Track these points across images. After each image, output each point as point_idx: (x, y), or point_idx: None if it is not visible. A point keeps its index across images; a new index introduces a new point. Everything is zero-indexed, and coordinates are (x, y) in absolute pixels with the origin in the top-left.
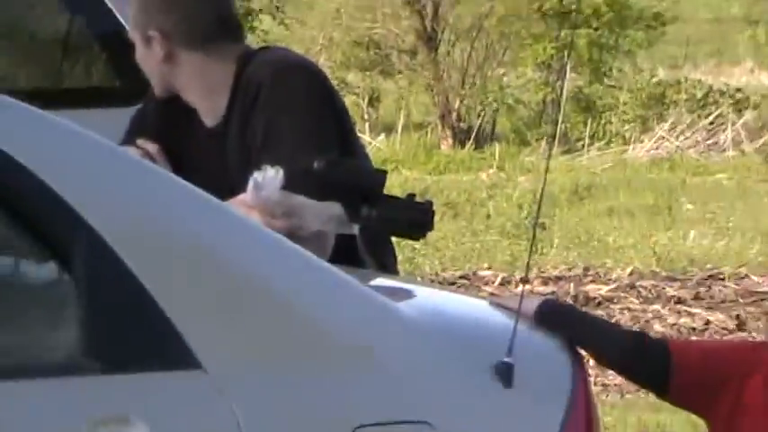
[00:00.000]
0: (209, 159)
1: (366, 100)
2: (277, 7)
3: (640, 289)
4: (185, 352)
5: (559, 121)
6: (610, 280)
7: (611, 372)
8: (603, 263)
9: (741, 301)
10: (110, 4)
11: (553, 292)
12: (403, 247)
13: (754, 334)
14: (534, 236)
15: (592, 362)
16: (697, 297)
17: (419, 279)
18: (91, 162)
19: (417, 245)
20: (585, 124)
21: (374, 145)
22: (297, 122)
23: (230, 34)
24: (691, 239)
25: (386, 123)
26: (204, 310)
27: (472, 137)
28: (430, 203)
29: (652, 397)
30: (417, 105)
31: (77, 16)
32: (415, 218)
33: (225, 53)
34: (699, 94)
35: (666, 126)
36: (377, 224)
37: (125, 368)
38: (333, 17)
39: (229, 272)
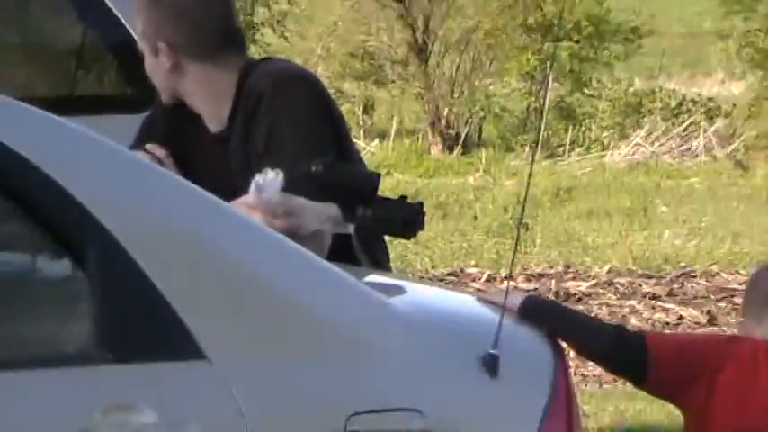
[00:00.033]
0: (213, 163)
1: (361, 108)
2: (278, 21)
3: (617, 285)
4: (191, 344)
5: (542, 129)
6: (589, 277)
7: (590, 363)
8: (583, 261)
9: (712, 297)
10: (121, 18)
11: (536, 289)
12: (395, 246)
13: (724, 328)
14: (518, 235)
15: (572, 353)
16: (671, 293)
17: (410, 276)
18: (103, 165)
19: (409, 243)
20: (566, 131)
21: (368, 150)
22: (296, 129)
23: (234, 46)
24: (665, 239)
25: (379, 130)
26: (209, 304)
27: (460, 143)
28: (420, 205)
29: (629, 386)
30: (409, 113)
31: (91, 29)
32: (407, 218)
33: (229, 64)
34: (673, 104)
35: (642, 133)
36: (371, 224)
37: (135, 359)
38: (330, 30)
39: (233, 269)
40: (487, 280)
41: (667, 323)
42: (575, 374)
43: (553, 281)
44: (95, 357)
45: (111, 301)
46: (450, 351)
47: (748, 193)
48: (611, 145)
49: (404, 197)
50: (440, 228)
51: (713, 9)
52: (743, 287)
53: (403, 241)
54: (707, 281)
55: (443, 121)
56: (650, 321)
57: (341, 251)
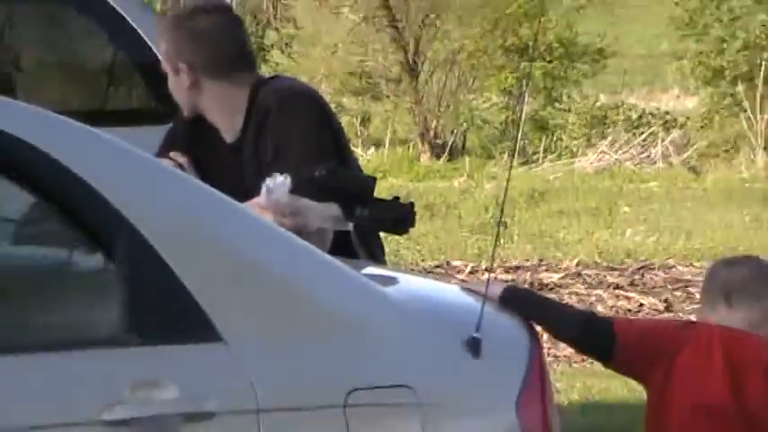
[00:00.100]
0: (228, 169)
1: (359, 120)
2: (286, 44)
3: (585, 277)
4: (210, 328)
5: (518, 138)
6: (560, 269)
7: (561, 345)
8: (555, 255)
9: (669, 287)
10: (147, 41)
11: (513, 280)
12: (389, 241)
13: (680, 314)
14: (498, 233)
15: (546, 336)
16: (632, 284)
17: (403, 268)
18: (132, 171)
19: (401, 239)
20: (540, 140)
21: (365, 157)
22: (301, 139)
23: (246, 65)
24: (627, 236)
25: (375, 139)
26: (225, 293)
27: (446, 151)
28: (411, 205)
29: (596, 366)
30: (401, 125)
31: (121, 51)
32: (400, 217)
33: (242, 81)
34: (634, 116)
35: (607, 142)
36: (368, 222)
37: (160, 341)
38: (331, 52)
39: (247, 261)
40: (471, 272)
41: (629, 310)
42: (548, 355)
43: (528, 273)
44: (125, 340)
45: (139, 291)
46: (437, 334)
47: (700, 195)
48: (580, 153)
49: (397, 198)
50: (428, 226)
51: (670, 32)
52: (696, 278)
53: (396, 237)
54: (664, 273)
55: (432, 132)
56: (614, 308)
57: (341, 246)
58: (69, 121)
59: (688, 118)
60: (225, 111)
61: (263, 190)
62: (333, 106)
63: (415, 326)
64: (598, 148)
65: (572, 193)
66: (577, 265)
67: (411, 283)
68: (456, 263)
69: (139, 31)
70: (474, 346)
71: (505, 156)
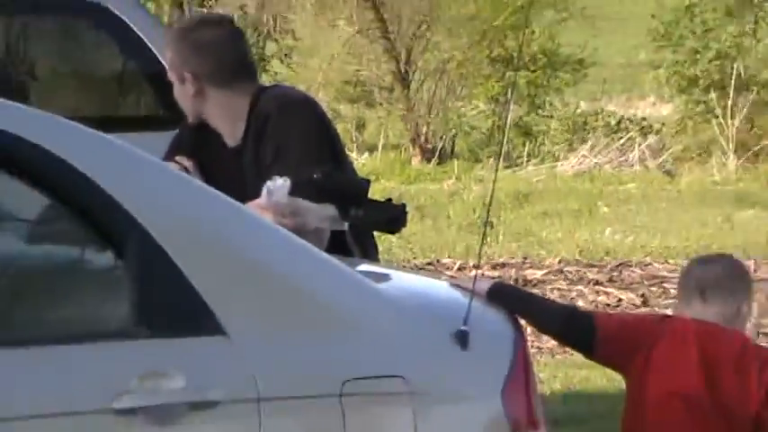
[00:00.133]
0: (231, 172)
1: (354, 126)
2: (285, 54)
3: (567, 273)
4: (213, 322)
5: (504, 143)
6: (543, 266)
7: (545, 337)
8: (538, 253)
9: (645, 283)
10: (155, 51)
11: (499, 276)
12: (382, 240)
13: (656, 308)
14: (484, 232)
15: (530, 329)
16: (611, 280)
17: (395, 265)
18: (141, 174)
19: (393, 238)
20: (524, 145)
21: (360, 161)
22: (300, 142)
23: (248, 75)
24: (606, 235)
25: (369, 144)
26: (228, 289)
27: (436, 155)
28: (403, 206)
29: (577, 357)
30: (394, 130)
31: (130, 61)
32: (392, 217)
33: (243, 89)
34: (613, 122)
35: (587, 147)
36: (362, 222)
37: (167, 334)
38: (328, 62)
39: (248, 259)
40: (459, 269)
41: (608, 305)
42: (531, 347)
43: (514, 269)
44: (134, 333)
45: (147, 286)
46: (428, 327)
47: (675, 197)
48: (562, 157)
49: (390, 200)
50: (419, 225)
51: (647, 43)
52: (671, 275)
53: (389, 236)
54: (641, 270)
55: (422, 137)
56: (594, 303)
57: (337, 245)
58: (82, 128)
59: (663, 124)
60: (227, 117)
61: (264, 191)
62: (329, 113)
63: (406, 320)
64: (579, 152)
65: (554, 194)
66: (559, 262)
67: (403, 280)
68: (445, 260)
69: (147, 42)
70: (462, 339)
71: (492, 160)
